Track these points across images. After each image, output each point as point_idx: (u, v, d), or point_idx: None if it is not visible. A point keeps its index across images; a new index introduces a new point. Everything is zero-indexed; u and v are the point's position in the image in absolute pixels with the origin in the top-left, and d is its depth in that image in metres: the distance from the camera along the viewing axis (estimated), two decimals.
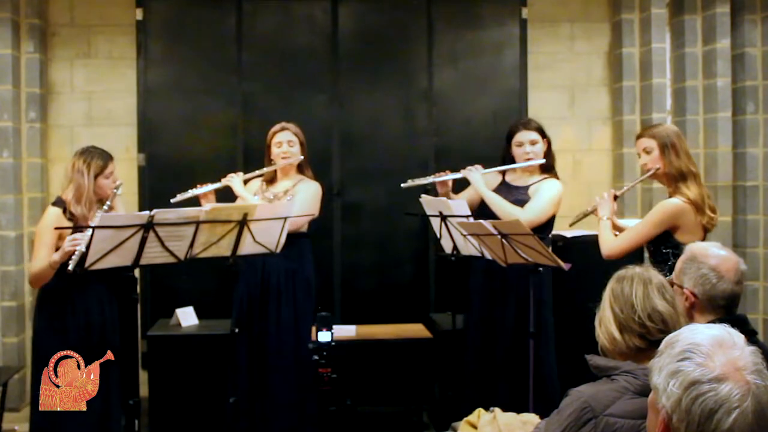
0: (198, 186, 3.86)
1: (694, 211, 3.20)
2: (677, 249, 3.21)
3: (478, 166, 3.91)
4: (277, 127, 4.01)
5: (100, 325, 3.50)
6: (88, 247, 3.06)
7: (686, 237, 3.20)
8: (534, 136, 3.86)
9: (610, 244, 3.36)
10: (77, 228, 3.42)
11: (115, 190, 3.53)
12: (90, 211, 3.44)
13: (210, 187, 3.86)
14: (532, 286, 3.51)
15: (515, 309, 3.77)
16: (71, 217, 3.43)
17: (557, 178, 3.92)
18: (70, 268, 3.18)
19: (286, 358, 3.86)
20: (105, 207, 3.44)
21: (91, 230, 3.15)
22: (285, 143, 3.96)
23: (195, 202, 3.83)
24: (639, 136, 3.46)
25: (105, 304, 3.54)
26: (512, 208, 3.76)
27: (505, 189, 3.92)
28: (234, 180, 3.91)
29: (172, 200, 3.81)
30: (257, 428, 3.86)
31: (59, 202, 3.47)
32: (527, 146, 3.85)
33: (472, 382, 3.93)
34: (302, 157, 3.99)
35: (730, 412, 1.25)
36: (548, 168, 3.91)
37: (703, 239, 3.25)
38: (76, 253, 3.19)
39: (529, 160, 3.85)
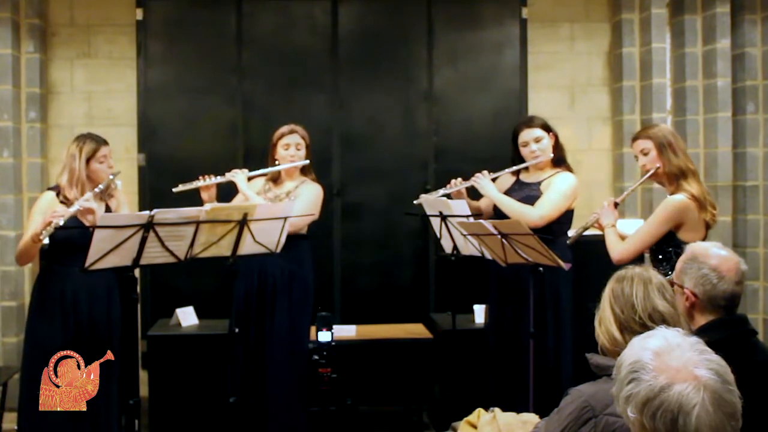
0: (202, 178, 3.83)
1: (698, 207, 3.21)
2: (679, 248, 3.21)
3: (485, 172, 3.85)
4: (285, 129, 3.98)
5: (90, 321, 3.49)
6: (89, 241, 3.06)
7: (689, 235, 3.20)
8: (538, 133, 3.81)
9: (619, 249, 3.34)
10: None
11: (111, 176, 3.55)
12: (82, 195, 3.46)
13: (214, 180, 3.83)
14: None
15: (533, 309, 3.72)
16: (64, 200, 3.47)
17: (570, 171, 3.85)
18: (41, 237, 3.26)
19: (281, 360, 3.86)
20: (97, 189, 3.46)
21: (74, 205, 3.31)
22: (293, 146, 3.95)
23: (196, 193, 3.83)
24: (635, 139, 3.45)
25: (99, 300, 3.53)
26: (522, 206, 3.70)
27: (518, 187, 3.87)
28: (238, 176, 3.88)
29: (174, 189, 3.78)
30: (253, 429, 3.87)
31: (55, 187, 3.55)
32: (532, 144, 3.80)
33: (491, 383, 3.90)
34: (308, 161, 3.98)
35: (690, 412, 1.27)
36: (559, 161, 3.85)
37: (705, 236, 3.26)
38: (52, 224, 3.25)
39: (536, 158, 3.81)
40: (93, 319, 3.50)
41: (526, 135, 3.82)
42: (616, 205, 3.49)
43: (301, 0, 5.10)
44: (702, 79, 5.00)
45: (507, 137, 4.04)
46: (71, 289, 3.47)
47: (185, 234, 3.27)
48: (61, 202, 3.47)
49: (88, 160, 3.52)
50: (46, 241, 3.45)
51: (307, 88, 5.07)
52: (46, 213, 3.41)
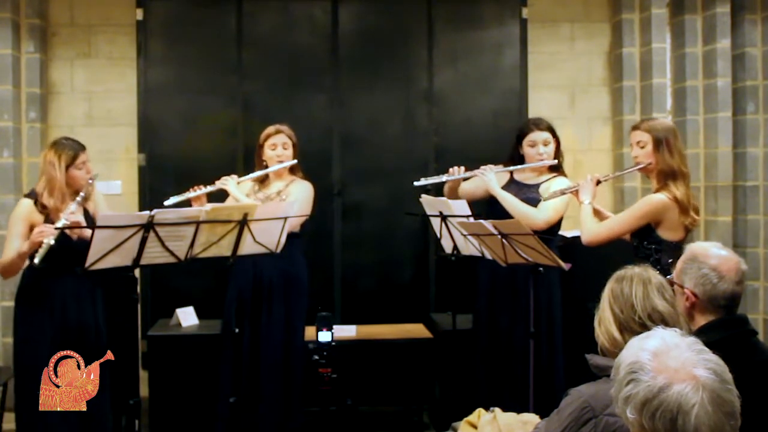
0: (193, 189, 3.79)
1: (678, 210, 3.21)
2: (660, 245, 3.23)
3: (491, 166, 3.88)
4: (271, 129, 3.99)
5: (78, 324, 3.46)
6: (74, 246, 3.05)
7: (668, 234, 3.22)
8: (546, 136, 3.85)
9: (591, 231, 3.36)
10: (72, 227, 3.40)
11: (90, 181, 3.53)
12: (63, 203, 3.41)
13: (204, 190, 3.81)
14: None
15: (523, 309, 3.75)
16: (43, 208, 3.42)
17: (566, 177, 3.91)
18: (36, 261, 3.21)
19: (276, 359, 3.87)
20: (79, 198, 3.44)
21: (60, 220, 3.25)
22: (280, 146, 3.96)
23: (188, 204, 3.80)
24: (634, 128, 3.44)
25: (85, 302, 3.50)
26: (527, 208, 3.74)
27: (515, 187, 3.90)
28: (229, 182, 3.88)
29: (165, 203, 3.73)
30: (248, 428, 3.87)
31: (32, 194, 3.48)
32: (540, 146, 3.83)
33: (483, 383, 3.92)
34: (296, 161, 3.99)
35: (689, 411, 1.27)
36: (557, 167, 3.90)
37: (685, 238, 3.27)
38: (43, 245, 3.21)
39: (542, 160, 3.83)
40: (71, 318, 3.46)
41: (536, 136, 3.85)
42: (598, 182, 3.50)
43: (301, 0, 5.10)
44: (702, 79, 4.99)
45: (507, 137, 4.06)
46: (49, 288, 3.43)
47: (185, 234, 3.27)
48: (40, 211, 3.42)
49: (67, 168, 3.46)
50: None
51: (307, 88, 5.07)
52: (25, 221, 3.39)
